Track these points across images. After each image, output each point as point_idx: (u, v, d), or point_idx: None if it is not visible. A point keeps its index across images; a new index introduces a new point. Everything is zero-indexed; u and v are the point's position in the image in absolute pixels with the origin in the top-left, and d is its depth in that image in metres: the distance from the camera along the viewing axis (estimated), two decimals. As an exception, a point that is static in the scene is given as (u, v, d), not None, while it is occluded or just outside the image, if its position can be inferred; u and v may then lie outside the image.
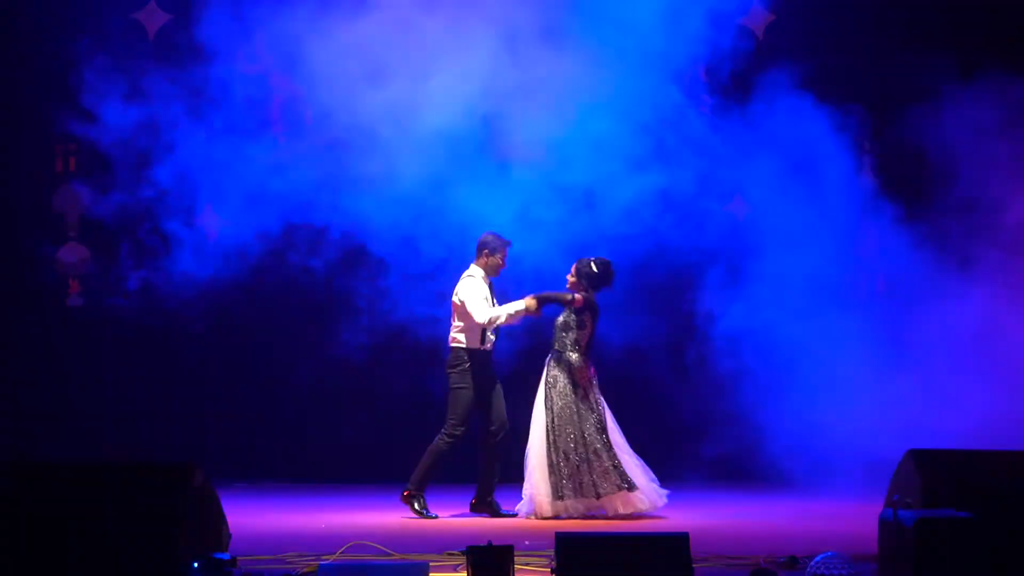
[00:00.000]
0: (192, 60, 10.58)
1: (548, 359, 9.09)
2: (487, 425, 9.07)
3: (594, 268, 9.10)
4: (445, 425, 9.02)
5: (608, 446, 8.85)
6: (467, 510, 9.19)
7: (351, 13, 10.10)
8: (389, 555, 6.71)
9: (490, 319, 8.94)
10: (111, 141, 10.70)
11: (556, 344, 9.09)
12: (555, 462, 8.82)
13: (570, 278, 9.14)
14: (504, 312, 8.98)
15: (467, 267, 9.20)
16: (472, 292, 8.98)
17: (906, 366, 10.29)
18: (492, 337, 9.08)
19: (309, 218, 10.62)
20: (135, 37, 11.38)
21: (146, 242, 11.03)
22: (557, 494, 8.78)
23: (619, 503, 8.82)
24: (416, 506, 8.99)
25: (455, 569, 6.32)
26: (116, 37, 11.20)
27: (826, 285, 10.46)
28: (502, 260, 9.14)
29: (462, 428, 9.00)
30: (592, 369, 9.06)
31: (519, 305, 9.00)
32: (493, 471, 9.10)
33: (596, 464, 8.81)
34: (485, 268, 9.13)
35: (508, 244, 9.17)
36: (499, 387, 9.14)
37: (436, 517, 8.94)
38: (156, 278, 10.86)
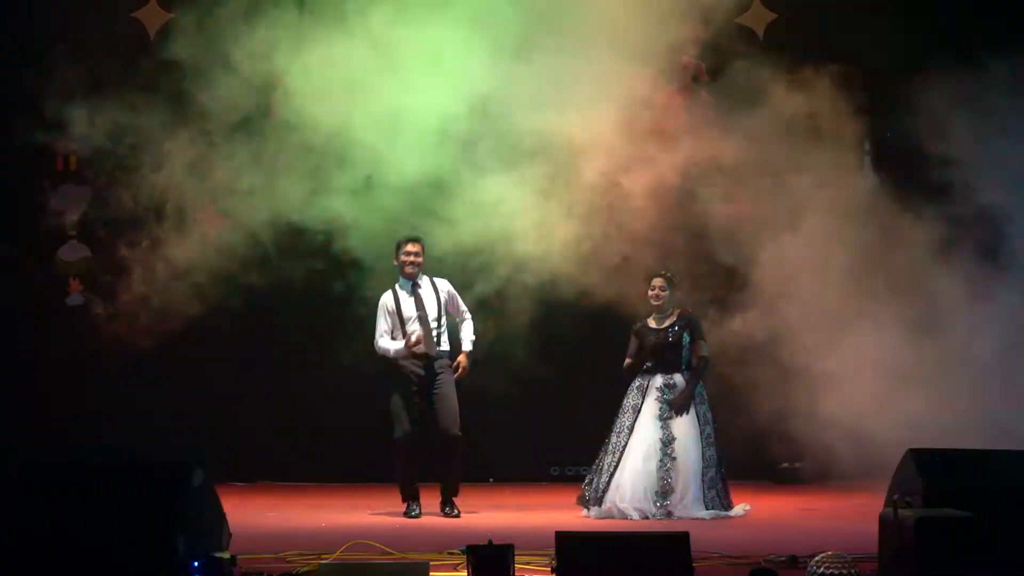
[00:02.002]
0: (172, 72, 10.62)
1: (678, 377, 9.13)
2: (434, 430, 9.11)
3: (674, 277, 9.31)
4: None
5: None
6: (470, 510, 9.23)
7: (330, 24, 10.13)
8: (389, 554, 6.70)
9: (379, 349, 9.13)
10: (93, 149, 10.79)
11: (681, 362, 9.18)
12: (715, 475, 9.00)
13: (662, 293, 9.16)
14: (391, 347, 9.07)
15: (456, 274, 9.50)
16: (378, 309, 9.20)
17: (911, 363, 10.29)
18: (414, 343, 9.03)
19: (306, 221, 10.63)
20: (115, 46, 11.39)
21: (145, 242, 11.03)
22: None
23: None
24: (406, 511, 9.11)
25: (455, 568, 6.32)
26: (96, 44, 11.22)
27: (832, 281, 10.45)
28: (404, 257, 9.10)
29: (398, 430, 9.06)
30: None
31: (398, 345, 9.06)
32: (442, 478, 9.17)
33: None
34: (399, 272, 9.18)
35: (410, 239, 9.14)
36: (442, 393, 9.06)
37: (416, 516, 9.01)
38: (156, 278, 10.86)
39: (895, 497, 6.10)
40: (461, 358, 9.22)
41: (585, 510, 9.06)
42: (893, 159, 11.14)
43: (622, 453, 8.98)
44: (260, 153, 10.60)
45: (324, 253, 10.95)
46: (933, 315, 10.36)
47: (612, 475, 8.96)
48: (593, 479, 9.09)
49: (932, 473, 6.20)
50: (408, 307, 9.10)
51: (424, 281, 9.19)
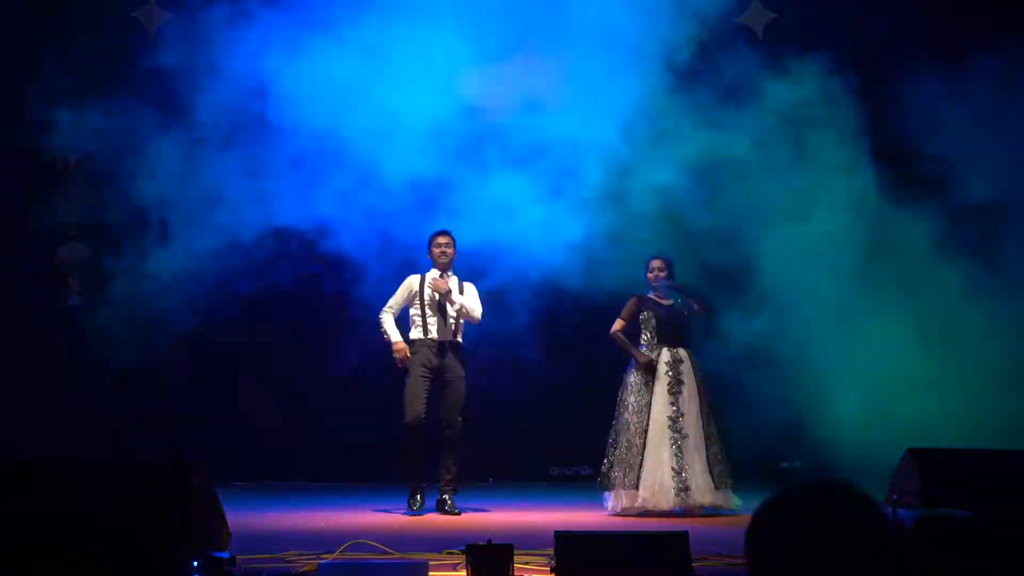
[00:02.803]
0: (164, 76, 10.63)
1: (684, 352, 9.22)
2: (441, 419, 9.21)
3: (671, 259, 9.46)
4: None
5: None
6: (469, 510, 9.23)
7: (321, 29, 10.13)
8: (389, 554, 6.70)
9: (381, 321, 9.28)
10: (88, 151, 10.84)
11: (686, 337, 9.33)
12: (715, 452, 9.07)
13: (660, 273, 9.30)
14: (389, 331, 9.26)
15: (459, 272, 9.55)
16: (401, 285, 9.36)
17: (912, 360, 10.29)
18: (433, 330, 9.20)
19: (303, 225, 10.64)
20: (109, 48, 11.38)
21: (144, 243, 11.03)
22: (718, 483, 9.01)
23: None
24: (408, 503, 9.15)
25: (454, 568, 6.31)
26: (90, 47, 11.23)
27: (834, 278, 10.44)
28: (435, 249, 9.34)
29: (407, 417, 9.09)
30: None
31: (395, 338, 9.24)
32: (442, 466, 9.23)
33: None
34: (434, 264, 9.38)
35: (441, 232, 9.38)
36: (453, 383, 9.18)
37: (413, 511, 9.06)
38: (155, 279, 10.86)
39: (894, 497, 6.10)
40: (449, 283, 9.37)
41: (610, 492, 9.03)
42: (894, 156, 11.11)
43: (646, 435, 9.02)
44: (255, 156, 10.61)
45: (321, 255, 10.95)
46: (936, 313, 10.35)
47: (644, 457, 8.99)
48: (615, 462, 9.06)
49: (932, 473, 6.20)
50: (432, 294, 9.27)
51: (453, 278, 9.41)
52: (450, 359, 9.22)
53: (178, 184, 10.71)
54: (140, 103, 10.72)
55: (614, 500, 9.02)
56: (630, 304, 9.36)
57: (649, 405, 9.07)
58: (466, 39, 10.11)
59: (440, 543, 7.10)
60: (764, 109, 10.45)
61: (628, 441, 9.05)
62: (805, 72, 10.53)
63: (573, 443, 11.54)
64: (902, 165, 10.89)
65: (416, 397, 9.10)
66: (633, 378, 9.17)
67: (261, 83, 10.37)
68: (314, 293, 11.52)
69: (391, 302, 9.35)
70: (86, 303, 11.68)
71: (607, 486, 9.09)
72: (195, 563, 5.75)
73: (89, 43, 11.30)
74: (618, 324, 9.33)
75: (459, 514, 9.10)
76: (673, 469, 8.92)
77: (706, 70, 11.05)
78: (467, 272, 10.04)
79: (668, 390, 9.09)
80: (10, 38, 11.54)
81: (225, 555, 5.95)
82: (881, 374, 10.21)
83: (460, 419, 9.18)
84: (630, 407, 9.11)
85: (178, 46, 10.54)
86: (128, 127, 10.71)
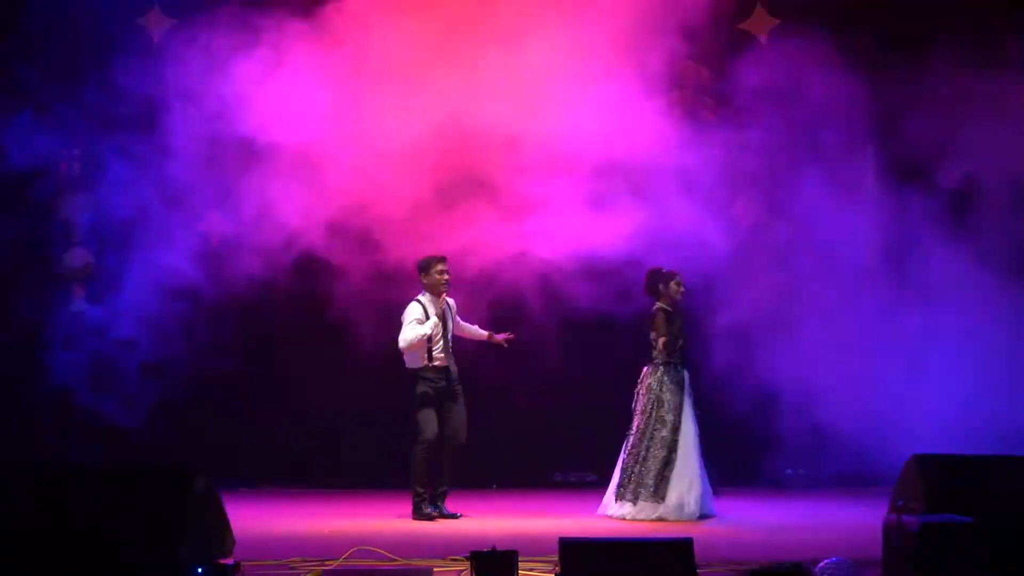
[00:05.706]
0: (141, 93, 10.66)
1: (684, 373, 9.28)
2: (441, 435, 9.30)
3: None
4: None
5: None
6: (473, 516, 9.28)
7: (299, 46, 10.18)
8: (393, 560, 6.71)
9: (408, 341, 9.26)
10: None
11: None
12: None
13: (681, 289, 9.35)
14: (421, 331, 9.23)
15: (462, 283, 9.74)
16: (406, 315, 9.35)
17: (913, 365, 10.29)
18: (438, 357, 9.32)
19: (303, 227, 10.66)
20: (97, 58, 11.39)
21: (146, 244, 11.05)
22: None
23: None
24: (419, 511, 9.19)
25: (459, 575, 6.32)
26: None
27: (841, 282, 10.44)
28: (438, 275, 9.32)
29: (423, 436, 9.25)
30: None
31: (426, 329, 9.23)
32: (443, 476, 9.37)
33: None
34: (428, 289, 9.37)
35: (441, 259, 9.36)
36: (458, 405, 9.36)
37: (433, 518, 9.14)
38: (156, 281, 10.87)
39: (899, 503, 6.11)
40: (500, 337, 9.61)
41: (630, 505, 9.09)
42: (900, 159, 11.11)
43: (673, 449, 9.07)
44: (257, 170, 10.64)
45: (323, 261, 10.94)
46: (942, 313, 10.35)
47: (669, 469, 9.05)
48: (635, 470, 9.11)
49: (935, 479, 6.21)
50: (435, 319, 9.35)
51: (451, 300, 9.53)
52: (454, 385, 9.39)
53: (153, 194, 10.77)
54: (120, 118, 10.75)
55: (635, 509, 9.06)
56: (662, 321, 9.29)
57: (676, 424, 9.13)
58: (454, 47, 10.09)
59: (444, 550, 7.12)
60: (774, 113, 10.46)
61: (652, 452, 9.08)
62: (814, 74, 10.55)
63: (576, 450, 11.53)
64: (913, 167, 10.87)
65: (429, 419, 9.28)
66: (657, 394, 9.18)
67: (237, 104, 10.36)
68: (318, 298, 11.51)
69: (411, 326, 9.32)
70: (92, 307, 11.68)
71: (626, 496, 9.13)
72: (200, 569, 5.76)
73: (64, 55, 11.28)
74: (664, 340, 9.22)
75: (459, 516, 9.22)
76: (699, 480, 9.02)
77: (714, 76, 11.06)
78: (473, 279, 10.08)
79: (694, 410, 9.21)
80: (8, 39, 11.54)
81: (230, 561, 5.97)
82: (887, 378, 10.23)
83: (465, 441, 9.37)
84: (655, 416, 9.16)
85: (163, 60, 10.59)
86: (111, 142, 10.78)
